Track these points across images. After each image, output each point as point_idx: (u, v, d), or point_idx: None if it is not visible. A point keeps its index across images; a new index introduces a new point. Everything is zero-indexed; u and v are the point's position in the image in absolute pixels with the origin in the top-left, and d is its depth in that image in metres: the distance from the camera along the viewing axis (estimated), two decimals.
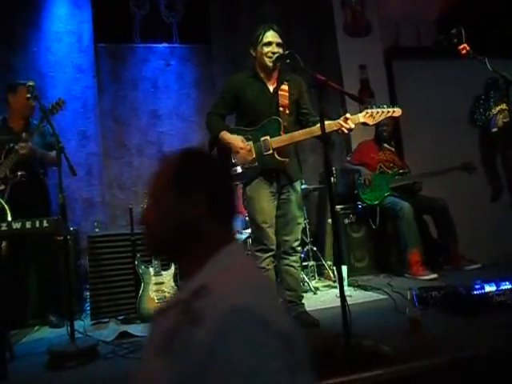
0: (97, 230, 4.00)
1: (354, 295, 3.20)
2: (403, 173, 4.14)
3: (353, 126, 2.39)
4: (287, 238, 2.60)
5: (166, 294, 2.97)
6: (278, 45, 2.53)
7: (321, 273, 4.00)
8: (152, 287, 2.97)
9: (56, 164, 3.17)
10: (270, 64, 2.54)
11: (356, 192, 4.16)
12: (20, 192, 2.94)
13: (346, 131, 2.42)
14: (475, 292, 2.35)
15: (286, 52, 2.48)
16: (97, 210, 4.57)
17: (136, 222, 3.25)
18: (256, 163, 2.53)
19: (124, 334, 2.57)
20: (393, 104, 2.63)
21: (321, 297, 3.34)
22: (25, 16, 4.53)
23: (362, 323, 2.27)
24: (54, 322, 3.01)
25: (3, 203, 2.40)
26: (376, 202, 4.02)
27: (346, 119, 2.39)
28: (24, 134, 2.97)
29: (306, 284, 3.57)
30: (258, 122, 2.58)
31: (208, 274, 0.86)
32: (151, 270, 3.02)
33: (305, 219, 3.65)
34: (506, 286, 2.40)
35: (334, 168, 4.14)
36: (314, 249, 3.92)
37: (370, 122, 2.48)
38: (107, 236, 3.19)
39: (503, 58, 3.68)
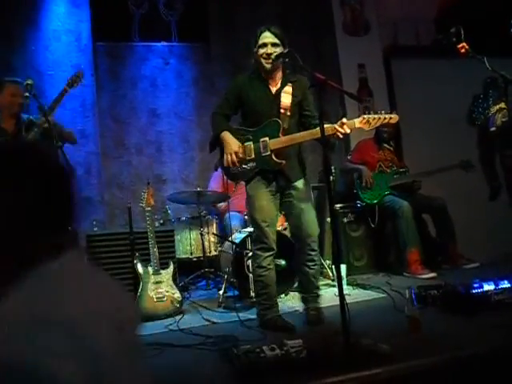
0: (95, 229, 4.00)
1: (353, 294, 3.20)
2: (402, 172, 4.15)
3: (348, 131, 2.38)
4: (299, 236, 2.63)
5: (165, 293, 2.97)
6: (273, 45, 2.51)
7: (320, 272, 3.99)
8: (151, 286, 2.97)
9: (73, 141, 3.22)
10: (267, 65, 2.53)
11: (355, 191, 4.17)
12: None
13: (341, 136, 2.41)
14: (474, 291, 2.35)
15: (285, 51, 2.48)
16: (95, 209, 4.56)
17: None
18: (254, 163, 2.56)
19: None
20: (391, 107, 2.64)
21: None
22: (23, 14, 4.52)
23: (361, 322, 2.28)
24: None
25: None
26: (375, 201, 4.02)
27: (342, 124, 2.38)
28: (45, 109, 2.94)
29: None
30: (259, 123, 2.59)
31: None
32: (150, 269, 3.01)
33: None
34: (504, 284, 2.40)
35: (332, 167, 4.14)
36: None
37: (366, 127, 2.48)
38: (106, 235, 3.19)
39: (502, 56, 3.69)
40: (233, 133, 2.60)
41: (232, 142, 2.55)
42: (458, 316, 2.31)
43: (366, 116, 2.42)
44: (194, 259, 4.17)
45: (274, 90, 2.62)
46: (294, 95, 2.58)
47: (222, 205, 4.27)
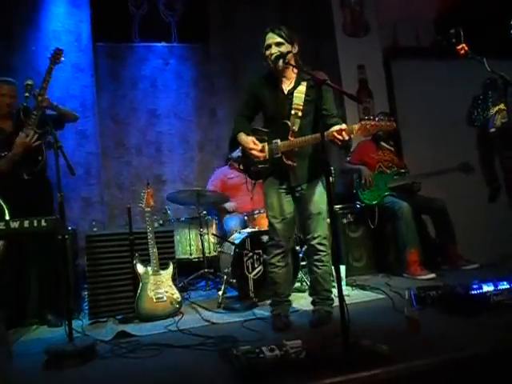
0: (95, 229, 4.00)
1: (352, 295, 3.20)
2: (402, 173, 4.15)
3: (347, 137, 2.35)
4: (307, 237, 2.64)
5: (164, 294, 2.97)
6: (277, 45, 2.50)
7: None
8: (150, 287, 2.97)
9: (73, 118, 3.22)
10: (274, 66, 2.52)
11: (355, 192, 4.17)
12: (24, 190, 2.93)
13: (339, 143, 2.39)
14: (473, 292, 2.35)
15: (285, 51, 2.48)
16: (95, 209, 4.57)
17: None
18: (268, 164, 2.62)
19: (122, 334, 2.57)
20: (391, 108, 2.63)
21: None
22: (23, 15, 4.53)
23: (360, 323, 2.28)
24: (52, 321, 3.01)
25: (1, 202, 2.39)
26: (375, 202, 4.02)
27: (341, 130, 2.35)
28: (37, 91, 2.96)
29: (303, 283, 3.58)
30: (273, 124, 2.63)
31: None
32: (149, 269, 3.01)
33: None
34: (503, 285, 2.40)
35: (332, 168, 4.14)
36: None
37: (365, 134, 2.47)
38: (105, 235, 3.18)
39: (501, 58, 3.69)
40: (251, 133, 2.65)
41: (246, 141, 2.61)
42: (457, 317, 2.31)
43: (363, 122, 2.38)
44: (194, 260, 4.17)
45: (286, 90, 2.61)
46: (307, 94, 2.54)
47: (232, 206, 4.26)
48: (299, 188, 2.62)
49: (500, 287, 2.39)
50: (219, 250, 3.90)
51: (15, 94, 3.10)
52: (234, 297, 3.42)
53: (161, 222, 4.23)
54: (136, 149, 4.96)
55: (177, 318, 2.88)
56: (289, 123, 2.54)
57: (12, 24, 4.48)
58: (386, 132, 4.25)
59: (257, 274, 3.32)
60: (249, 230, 3.60)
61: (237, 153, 4.33)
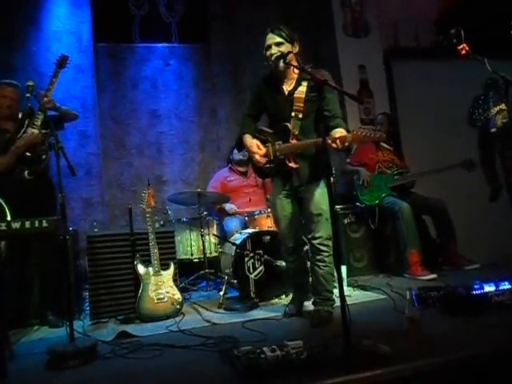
0: (96, 229, 4.00)
1: (354, 295, 3.20)
2: (402, 172, 4.15)
3: (340, 146, 2.32)
4: (309, 236, 2.66)
5: (166, 294, 2.97)
6: (276, 45, 2.52)
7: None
8: (151, 287, 2.97)
9: (74, 117, 3.27)
10: (275, 66, 2.54)
11: (354, 193, 4.17)
12: (25, 190, 2.94)
13: (333, 150, 2.39)
14: (474, 292, 2.35)
15: (286, 52, 2.48)
16: (96, 209, 4.57)
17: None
18: (273, 164, 2.65)
19: (123, 334, 2.57)
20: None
21: None
22: (24, 15, 4.54)
23: (362, 323, 2.28)
24: (54, 321, 3.01)
25: (2, 203, 2.39)
26: (375, 203, 4.02)
27: (335, 139, 2.33)
28: (42, 93, 2.99)
29: None
30: (276, 126, 2.66)
31: None
32: (150, 269, 3.01)
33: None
34: (505, 286, 2.39)
35: (333, 168, 4.15)
36: None
37: (356, 142, 2.47)
38: (106, 236, 3.18)
39: (502, 58, 3.68)
40: (255, 134, 2.70)
41: (250, 144, 2.66)
42: (459, 317, 2.30)
43: (355, 131, 2.33)
44: (195, 260, 4.17)
45: (287, 91, 2.61)
46: (307, 94, 2.54)
47: (232, 208, 4.26)
48: (301, 188, 2.64)
49: (501, 287, 2.39)
50: (220, 250, 3.90)
51: (18, 96, 3.11)
52: (234, 297, 3.42)
53: (162, 222, 4.24)
54: (137, 149, 4.96)
55: (178, 319, 2.88)
56: (289, 126, 2.55)
57: (13, 24, 4.49)
58: (384, 132, 4.26)
59: (258, 274, 3.32)
60: (249, 230, 3.61)
61: (238, 155, 4.36)
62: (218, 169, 4.81)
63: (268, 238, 3.38)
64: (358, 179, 4.12)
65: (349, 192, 4.30)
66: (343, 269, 3.24)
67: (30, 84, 2.79)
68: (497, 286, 2.39)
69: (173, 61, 5.19)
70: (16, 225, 1.95)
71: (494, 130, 3.69)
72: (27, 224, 1.95)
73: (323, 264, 2.60)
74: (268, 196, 3.90)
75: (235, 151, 4.41)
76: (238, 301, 3.25)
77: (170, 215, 4.30)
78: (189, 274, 4.02)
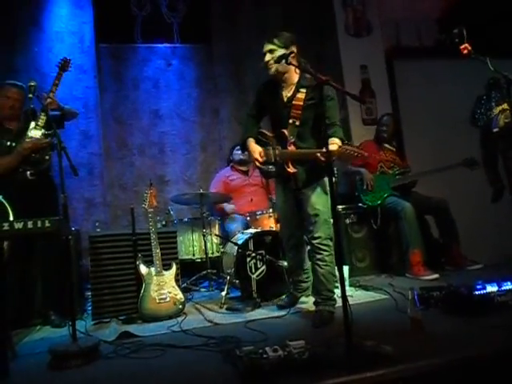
0: (98, 229, 4.01)
1: (356, 295, 3.20)
2: (404, 172, 4.14)
3: (331, 160, 2.28)
4: (309, 237, 2.70)
5: (168, 294, 2.97)
6: (269, 52, 2.60)
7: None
8: (153, 287, 2.97)
9: (75, 115, 3.33)
10: (270, 72, 2.63)
11: (356, 194, 4.16)
12: (28, 190, 2.95)
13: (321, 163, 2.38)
14: (477, 292, 2.34)
15: (288, 52, 2.49)
16: (98, 210, 4.58)
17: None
18: (274, 167, 2.72)
19: (125, 334, 2.57)
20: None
21: None
22: (26, 16, 4.55)
23: (364, 323, 2.27)
24: (56, 321, 3.02)
25: (5, 203, 2.40)
26: (377, 203, 4.02)
27: (324, 153, 2.31)
28: (45, 94, 3.03)
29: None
30: (276, 130, 2.71)
31: None
32: (153, 269, 3.02)
33: None
34: (507, 286, 2.39)
35: (335, 168, 4.14)
36: None
37: (341, 159, 2.52)
38: (109, 236, 3.18)
39: (505, 57, 3.68)
40: (258, 137, 2.77)
41: (253, 150, 2.72)
42: (461, 317, 2.30)
43: (344, 147, 2.30)
44: (197, 260, 4.17)
45: (286, 97, 2.66)
46: (305, 101, 2.57)
47: (231, 208, 4.27)
48: (299, 191, 2.69)
49: (504, 288, 2.39)
50: (222, 250, 3.90)
51: (21, 97, 3.12)
52: (237, 297, 3.42)
53: (164, 222, 4.24)
54: (139, 149, 4.97)
55: (180, 319, 2.88)
56: (286, 132, 2.60)
57: (15, 25, 4.50)
58: (389, 134, 4.26)
59: (260, 274, 3.32)
60: (251, 230, 3.61)
61: (238, 155, 4.39)
62: (219, 168, 4.81)
63: (270, 238, 3.38)
64: (360, 180, 4.11)
65: (351, 192, 4.30)
66: (345, 269, 3.25)
67: (32, 84, 2.80)
68: (499, 287, 2.38)
69: (175, 61, 5.19)
70: (19, 225, 1.95)
71: (496, 129, 3.68)
72: (30, 224, 1.95)
73: (324, 263, 2.62)
74: (270, 196, 3.91)
75: (235, 151, 4.45)
76: (240, 301, 3.26)
77: (172, 215, 4.31)
78: (191, 274, 4.02)
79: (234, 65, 5.19)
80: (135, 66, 5.05)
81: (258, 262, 3.33)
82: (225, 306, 3.13)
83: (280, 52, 2.53)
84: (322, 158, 2.34)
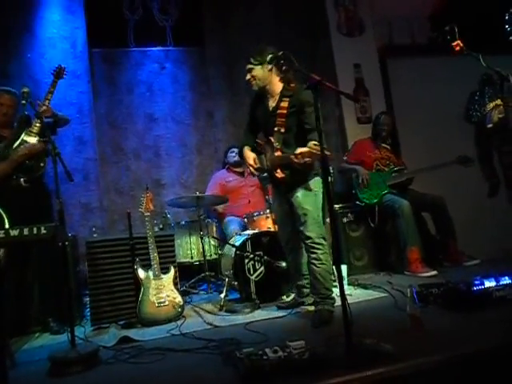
0: (95, 235, 4.00)
1: (354, 294, 3.20)
2: (400, 170, 4.15)
3: (302, 161, 2.41)
4: (302, 237, 2.74)
5: (166, 298, 2.97)
6: (248, 71, 2.75)
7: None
8: (152, 291, 2.97)
9: (67, 122, 3.35)
10: (253, 89, 2.80)
11: (354, 192, 4.17)
12: (21, 196, 2.94)
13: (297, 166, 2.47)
14: (475, 288, 2.35)
15: (280, 53, 2.50)
16: (95, 215, 4.56)
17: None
18: (266, 174, 2.85)
19: (125, 339, 2.56)
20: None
21: None
22: (19, 22, 4.53)
23: (363, 322, 2.27)
24: (55, 328, 3.00)
25: (0, 210, 2.39)
26: (375, 201, 4.02)
27: (296, 155, 2.42)
28: (40, 102, 3.06)
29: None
30: (266, 138, 2.82)
31: None
32: (151, 273, 3.01)
33: None
34: (505, 280, 2.40)
35: (331, 167, 4.14)
36: None
37: (312, 158, 2.57)
38: (106, 241, 3.17)
39: (497, 53, 3.69)
40: (254, 146, 2.90)
41: (247, 157, 2.87)
42: (460, 313, 2.31)
43: (310, 147, 2.40)
44: (195, 263, 4.17)
45: (271, 106, 2.78)
46: (288, 109, 2.69)
47: (221, 207, 4.29)
48: (289, 194, 2.76)
49: (502, 282, 2.39)
50: (220, 252, 3.90)
51: (14, 103, 3.12)
52: (236, 299, 3.41)
53: (161, 226, 4.23)
54: (134, 153, 4.96)
55: (179, 322, 2.87)
56: (272, 139, 2.69)
57: (7, 32, 4.48)
58: (387, 132, 4.27)
59: (258, 275, 3.31)
60: (249, 231, 3.60)
61: (233, 158, 4.41)
62: (215, 171, 4.81)
63: (267, 239, 3.38)
64: (357, 178, 4.12)
65: (348, 191, 4.30)
66: (343, 268, 3.25)
67: (26, 91, 2.79)
68: (497, 281, 2.39)
69: (168, 64, 5.18)
70: (14, 232, 1.94)
71: (490, 125, 3.70)
72: (26, 231, 1.94)
73: (319, 262, 2.65)
74: (267, 197, 3.92)
75: (229, 153, 4.50)
76: (239, 302, 3.25)
77: (169, 219, 4.30)
78: (189, 277, 4.01)
79: (228, 67, 5.19)
80: (128, 70, 5.05)
81: (257, 263, 3.33)
82: (224, 308, 3.12)
83: (256, 70, 2.72)
84: (296, 160, 2.43)
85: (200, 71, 5.22)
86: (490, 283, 2.38)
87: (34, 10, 4.62)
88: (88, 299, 3.17)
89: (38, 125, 3.03)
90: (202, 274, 3.93)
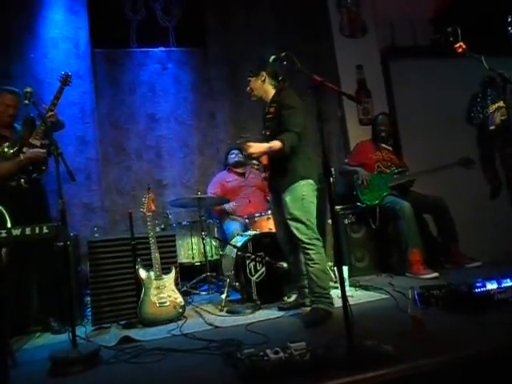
0: (97, 235, 4.00)
1: (356, 295, 3.20)
2: (401, 171, 4.15)
3: (246, 153, 2.69)
4: (293, 239, 2.79)
5: (167, 298, 2.97)
6: (248, 83, 2.94)
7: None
8: (153, 291, 2.97)
9: (63, 127, 3.37)
10: (253, 100, 2.99)
11: (355, 193, 4.17)
12: (21, 197, 2.95)
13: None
14: (477, 290, 2.35)
15: (283, 54, 2.50)
16: (96, 215, 4.57)
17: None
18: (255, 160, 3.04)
19: (126, 339, 2.56)
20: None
21: None
22: (21, 22, 4.54)
23: (364, 323, 2.27)
24: (56, 328, 3.01)
25: (2, 210, 2.39)
26: (376, 202, 4.02)
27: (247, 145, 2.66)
28: (46, 106, 3.07)
29: None
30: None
31: None
32: (152, 274, 3.01)
33: None
34: (507, 283, 2.39)
35: (332, 168, 4.14)
36: None
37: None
38: (107, 241, 3.17)
39: (499, 55, 3.69)
40: None
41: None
42: (462, 315, 2.30)
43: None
44: (196, 264, 4.17)
45: (265, 113, 2.93)
46: (273, 114, 2.84)
47: (231, 206, 4.29)
48: (281, 197, 2.81)
49: (504, 285, 2.39)
50: (221, 253, 3.90)
51: (18, 104, 3.14)
52: (237, 300, 3.41)
53: (162, 226, 4.23)
54: (136, 154, 4.96)
55: (180, 323, 2.87)
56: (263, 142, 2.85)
57: (10, 32, 4.49)
58: (387, 133, 4.27)
59: (259, 276, 3.31)
60: (250, 232, 3.60)
61: (233, 158, 4.43)
62: (217, 171, 4.82)
63: (269, 239, 3.38)
64: (358, 179, 4.12)
65: (349, 192, 4.30)
66: (345, 269, 3.25)
67: (29, 90, 2.79)
68: (499, 284, 2.39)
69: (170, 65, 5.19)
70: (16, 231, 1.94)
71: (492, 127, 3.70)
72: (28, 231, 1.95)
73: (312, 262, 2.69)
74: (268, 198, 3.93)
75: (229, 155, 4.54)
76: (240, 303, 3.25)
77: (170, 219, 4.30)
78: (190, 277, 4.01)
79: (230, 68, 5.19)
80: (131, 70, 5.05)
81: (258, 264, 3.33)
82: (225, 309, 3.13)
83: (252, 81, 2.90)
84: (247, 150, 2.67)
85: (202, 72, 5.22)
86: (491, 285, 2.37)
87: (36, 10, 4.62)
88: (89, 299, 3.17)
89: (42, 128, 3.06)
90: (203, 275, 3.93)
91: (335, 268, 3.69)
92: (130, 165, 4.91)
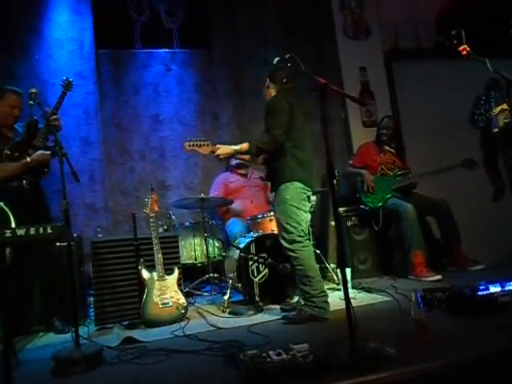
0: (100, 235, 4.01)
1: (358, 297, 3.19)
2: (404, 173, 4.15)
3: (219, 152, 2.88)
4: None
5: (170, 299, 2.97)
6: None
7: (324, 276, 3.98)
8: (156, 292, 2.97)
9: (60, 130, 3.29)
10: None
11: (358, 196, 4.16)
12: (23, 198, 2.96)
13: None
14: (480, 293, 2.34)
15: (287, 56, 2.50)
16: (100, 215, 4.58)
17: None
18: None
19: (128, 340, 2.57)
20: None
21: None
22: (26, 23, 4.56)
23: (367, 325, 2.27)
24: (59, 327, 3.02)
25: (7, 210, 2.40)
26: (379, 205, 4.02)
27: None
28: (49, 110, 3.05)
29: None
30: None
31: None
32: (154, 274, 3.02)
33: None
34: (510, 286, 2.38)
35: (335, 170, 4.14)
36: (317, 252, 3.90)
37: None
38: (110, 241, 3.18)
39: (504, 58, 3.68)
40: None
41: None
42: (465, 318, 2.30)
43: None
44: (199, 265, 4.17)
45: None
46: (264, 119, 2.91)
47: (238, 206, 4.30)
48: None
49: (507, 288, 2.38)
50: (224, 254, 3.90)
51: (22, 105, 3.15)
52: (239, 301, 3.41)
53: (165, 227, 4.24)
54: (139, 155, 4.97)
55: (183, 323, 2.88)
56: None
57: (15, 33, 4.52)
58: (389, 135, 4.28)
59: (262, 277, 3.31)
60: (253, 233, 3.60)
61: (235, 160, 4.43)
62: (220, 172, 4.82)
63: (271, 241, 3.38)
64: (362, 181, 4.12)
65: (352, 194, 4.30)
66: (347, 271, 3.24)
67: (34, 91, 2.80)
68: (502, 287, 2.38)
69: (174, 66, 5.20)
70: (21, 232, 1.95)
71: (496, 129, 3.69)
72: (32, 231, 1.95)
73: (294, 264, 2.74)
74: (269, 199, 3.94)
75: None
76: (242, 304, 3.25)
77: (173, 220, 4.31)
78: (193, 278, 4.02)
79: (233, 69, 5.20)
80: (135, 71, 5.06)
81: (260, 265, 3.33)
82: (227, 310, 3.13)
83: (263, 87, 3.05)
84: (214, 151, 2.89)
85: (206, 73, 5.23)
86: (495, 288, 2.36)
87: (41, 11, 4.65)
88: (92, 299, 3.18)
89: (45, 131, 3.09)
90: (206, 276, 3.93)
91: (338, 270, 3.69)
92: (133, 166, 4.93)
